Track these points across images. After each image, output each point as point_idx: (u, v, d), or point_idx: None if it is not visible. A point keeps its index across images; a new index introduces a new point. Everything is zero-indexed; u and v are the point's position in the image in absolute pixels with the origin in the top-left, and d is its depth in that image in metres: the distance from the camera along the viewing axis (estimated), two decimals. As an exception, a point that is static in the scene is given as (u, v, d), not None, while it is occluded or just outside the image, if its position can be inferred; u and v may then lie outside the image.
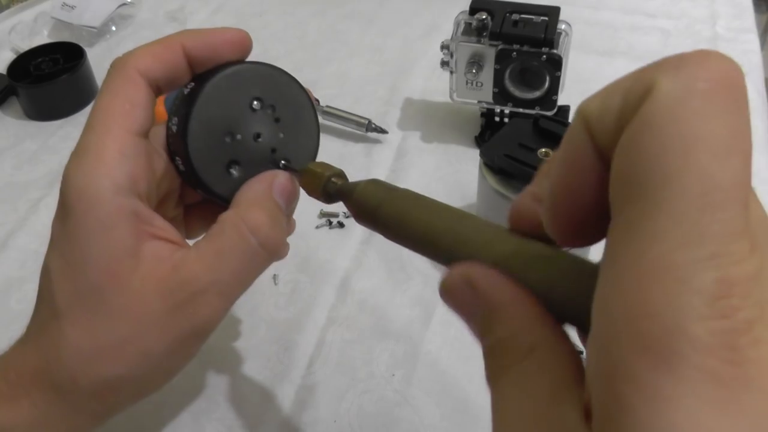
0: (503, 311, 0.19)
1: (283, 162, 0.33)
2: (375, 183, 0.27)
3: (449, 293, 0.21)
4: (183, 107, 0.31)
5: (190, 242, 0.32)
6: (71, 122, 0.68)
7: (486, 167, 0.46)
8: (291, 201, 0.32)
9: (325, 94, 0.67)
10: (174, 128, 0.31)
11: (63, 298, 0.28)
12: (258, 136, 0.32)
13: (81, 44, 0.72)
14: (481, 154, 0.46)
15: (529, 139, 0.45)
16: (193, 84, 0.31)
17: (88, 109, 0.69)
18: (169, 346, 0.28)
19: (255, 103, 0.32)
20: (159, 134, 0.32)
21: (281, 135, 0.33)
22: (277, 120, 0.33)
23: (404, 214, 0.24)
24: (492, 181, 0.45)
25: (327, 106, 0.63)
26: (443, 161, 0.60)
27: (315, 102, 0.63)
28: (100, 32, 0.79)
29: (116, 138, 0.29)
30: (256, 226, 0.29)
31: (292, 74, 0.33)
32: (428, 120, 0.64)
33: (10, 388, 0.29)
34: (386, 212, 0.25)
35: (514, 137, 0.46)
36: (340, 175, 0.31)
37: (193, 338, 0.29)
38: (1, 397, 0.28)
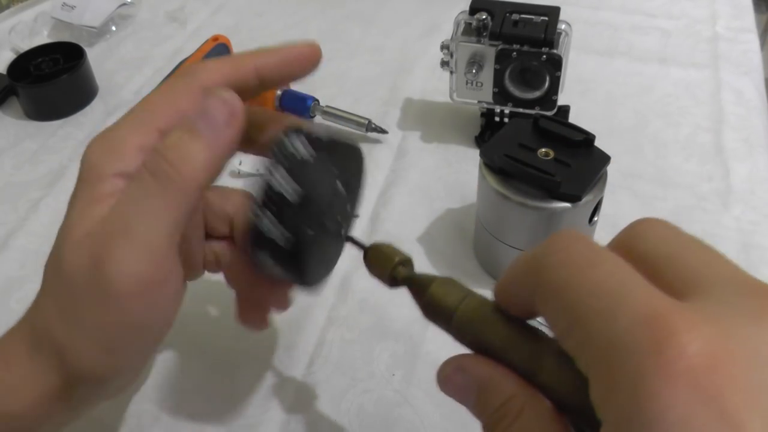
0: (493, 384, 0.23)
1: (351, 236, 0.32)
2: (450, 285, 0.27)
3: (445, 381, 0.25)
4: (290, 216, 0.28)
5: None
6: (71, 122, 0.68)
7: (486, 167, 0.46)
8: (228, 125, 0.29)
9: (325, 94, 0.67)
10: (280, 240, 0.28)
11: (47, 272, 0.29)
12: (338, 218, 0.31)
13: (81, 44, 0.72)
14: (481, 154, 0.46)
15: (529, 139, 0.45)
16: (294, 187, 0.28)
17: (88, 109, 0.69)
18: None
19: (339, 185, 0.31)
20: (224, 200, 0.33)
21: (348, 207, 0.32)
22: (347, 194, 0.32)
23: (479, 328, 0.25)
24: (492, 181, 0.45)
25: (327, 106, 0.63)
26: (443, 161, 0.60)
27: (316, 102, 0.64)
28: (100, 32, 0.79)
29: (141, 133, 0.29)
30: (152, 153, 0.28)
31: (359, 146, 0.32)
32: (428, 120, 0.64)
33: None
34: (461, 321, 0.26)
35: (514, 137, 0.46)
36: (409, 262, 0.31)
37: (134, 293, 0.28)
38: None
